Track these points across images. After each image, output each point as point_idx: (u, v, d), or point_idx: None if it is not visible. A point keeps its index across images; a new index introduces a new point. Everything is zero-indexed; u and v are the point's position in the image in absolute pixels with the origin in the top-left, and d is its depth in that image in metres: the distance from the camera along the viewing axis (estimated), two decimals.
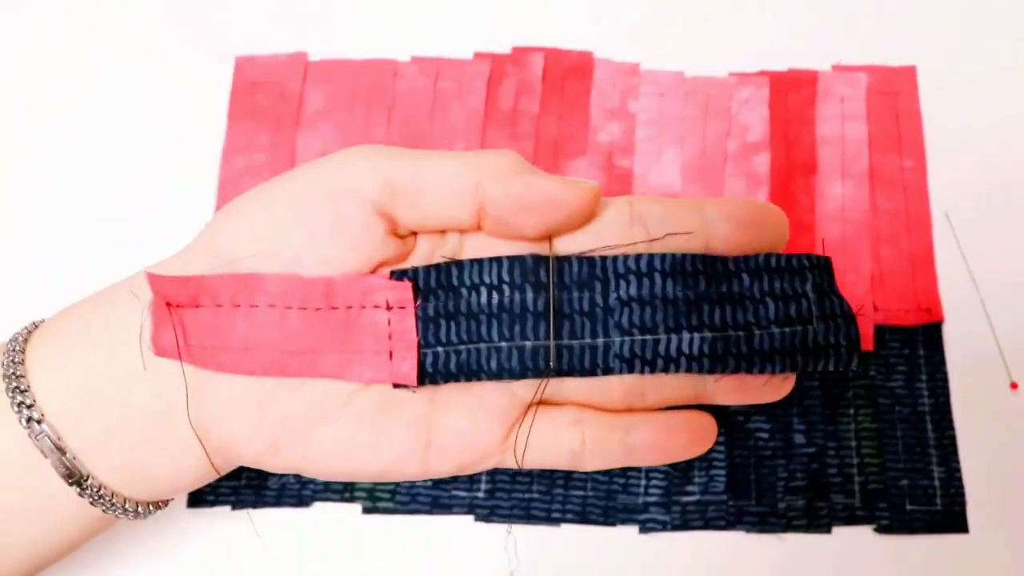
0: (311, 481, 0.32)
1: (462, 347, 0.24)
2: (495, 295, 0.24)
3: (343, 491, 0.32)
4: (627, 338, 0.24)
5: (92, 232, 0.36)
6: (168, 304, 0.24)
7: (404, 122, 0.36)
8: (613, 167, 0.36)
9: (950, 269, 0.35)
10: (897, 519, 0.32)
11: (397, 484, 0.32)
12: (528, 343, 0.24)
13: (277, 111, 0.37)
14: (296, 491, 0.32)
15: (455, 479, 0.32)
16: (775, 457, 0.32)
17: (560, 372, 0.25)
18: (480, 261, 0.25)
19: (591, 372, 0.25)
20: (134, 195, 0.36)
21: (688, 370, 0.24)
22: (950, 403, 0.33)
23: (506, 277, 0.24)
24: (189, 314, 0.24)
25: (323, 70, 0.37)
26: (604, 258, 0.24)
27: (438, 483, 0.32)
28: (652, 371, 0.25)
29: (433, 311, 0.25)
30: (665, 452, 0.26)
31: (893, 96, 0.37)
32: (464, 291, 0.24)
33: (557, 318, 0.24)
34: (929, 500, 0.32)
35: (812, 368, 0.25)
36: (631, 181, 0.36)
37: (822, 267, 0.25)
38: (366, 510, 0.32)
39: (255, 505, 0.32)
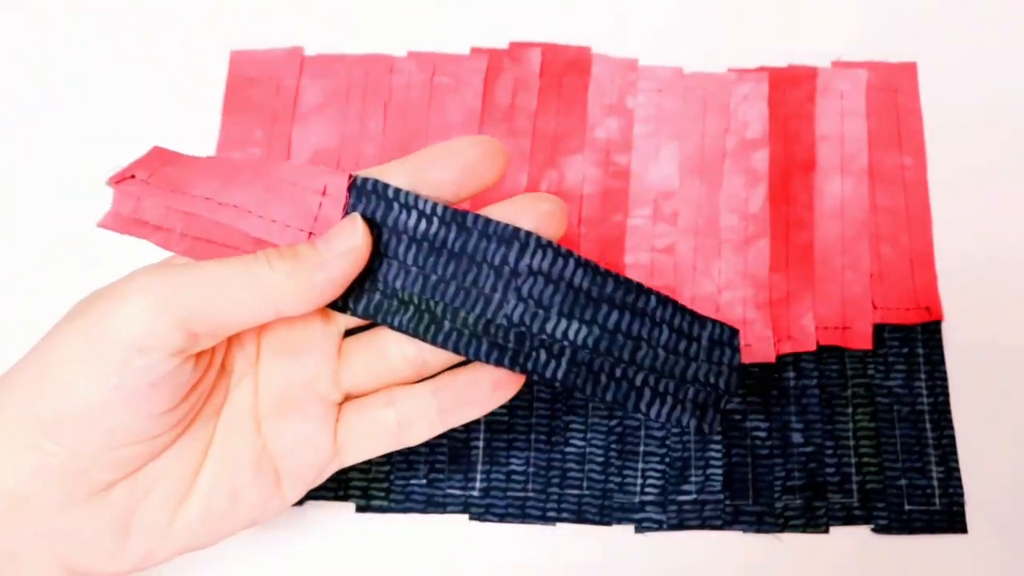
0: None
1: (376, 256, 0.25)
2: (423, 223, 0.25)
3: (336, 489, 0.32)
4: (521, 304, 0.25)
5: (88, 227, 0.35)
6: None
7: (400, 117, 0.36)
8: (611, 164, 0.36)
9: (950, 267, 0.34)
10: (895, 519, 0.31)
11: (391, 482, 0.32)
12: (434, 276, 0.25)
13: (273, 106, 0.37)
14: None
15: (449, 477, 0.32)
16: (772, 456, 0.32)
17: (441, 320, 0.25)
18: (418, 195, 0.25)
19: (475, 325, 0.25)
20: None
21: (562, 357, 0.25)
22: (949, 402, 0.33)
23: (439, 212, 0.25)
24: (163, 166, 0.26)
25: (319, 65, 0.37)
26: (528, 231, 0.25)
27: (432, 482, 0.32)
28: (529, 346, 0.25)
29: (361, 212, 0.25)
30: (476, 404, 0.27)
31: (893, 93, 0.37)
32: (396, 207, 0.25)
33: (468, 260, 0.25)
34: (928, 500, 0.32)
35: (676, 403, 0.25)
36: (628, 178, 0.35)
37: (728, 334, 0.26)
38: (360, 508, 0.32)
39: None
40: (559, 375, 0.25)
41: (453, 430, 0.32)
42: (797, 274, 0.34)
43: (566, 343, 0.25)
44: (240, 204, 0.25)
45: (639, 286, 0.25)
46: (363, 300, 0.25)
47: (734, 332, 0.26)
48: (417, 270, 0.25)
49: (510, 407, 0.33)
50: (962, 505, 0.32)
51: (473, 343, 0.25)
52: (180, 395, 0.24)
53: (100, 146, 0.36)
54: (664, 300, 0.25)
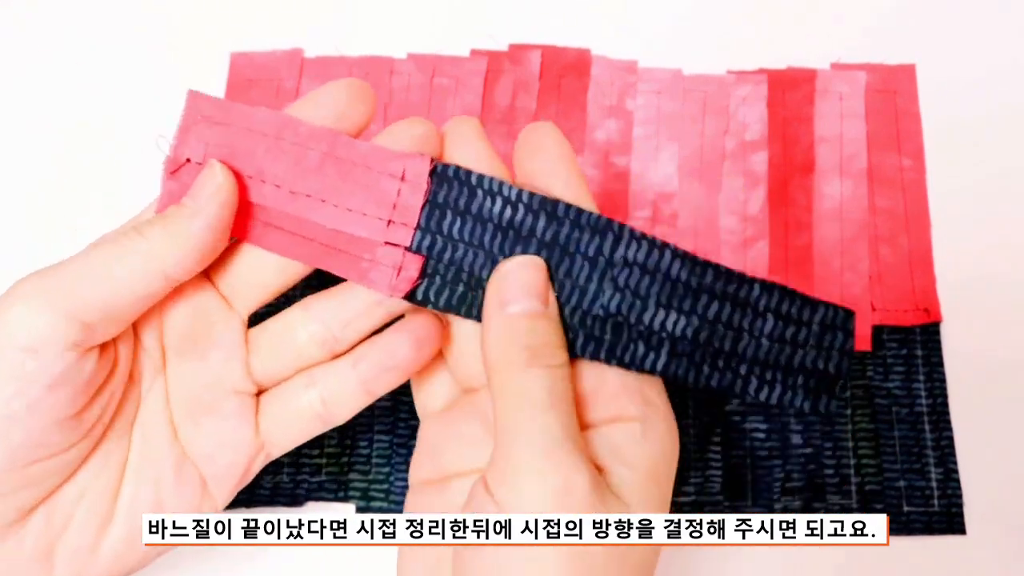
0: (304, 480, 0.32)
1: (460, 245, 0.24)
2: (508, 210, 0.24)
3: (336, 490, 0.32)
4: (618, 294, 0.24)
5: (87, 229, 0.35)
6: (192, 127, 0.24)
7: (400, 119, 0.36)
8: (610, 165, 0.36)
9: (948, 269, 0.34)
10: (894, 520, 0.31)
11: (391, 483, 0.32)
12: None
13: (273, 107, 0.36)
14: (289, 490, 0.32)
15: None
16: (771, 457, 0.32)
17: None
18: (502, 181, 0.24)
19: (570, 317, 0.24)
20: (129, 191, 0.36)
21: (662, 348, 0.24)
22: (947, 404, 0.33)
23: (524, 199, 0.24)
24: (214, 134, 0.24)
25: (319, 67, 0.37)
26: (620, 223, 0.24)
27: None
28: (627, 338, 0.24)
29: (443, 199, 0.24)
30: (399, 369, 0.26)
31: (892, 95, 0.37)
32: (480, 193, 0.24)
33: (560, 250, 0.24)
34: (926, 501, 0.32)
35: (785, 389, 0.24)
36: (628, 179, 0.36)
37: (842, 316, 0.25)
38: (360, 509, 0.32)
39: (248, 504, 0.32)
40: (659, 366, 0.24)
41: None
42: (796, 276, 0.34)
43: (664, 334, 0.24)
44: (313, 193, 0.24)
45: (741, 275, 0.24)
46: (445, 293, 0.24)
47: (849, 315, 0.24)
48: (504, 259, 0.24)
49: None
50: (960, 506, 0.32)
51: (568, 335, 0.24)
52: (84, 397, 0.23)
53: (101, 147, 0.37)
54: (770, 288, 0.24)
